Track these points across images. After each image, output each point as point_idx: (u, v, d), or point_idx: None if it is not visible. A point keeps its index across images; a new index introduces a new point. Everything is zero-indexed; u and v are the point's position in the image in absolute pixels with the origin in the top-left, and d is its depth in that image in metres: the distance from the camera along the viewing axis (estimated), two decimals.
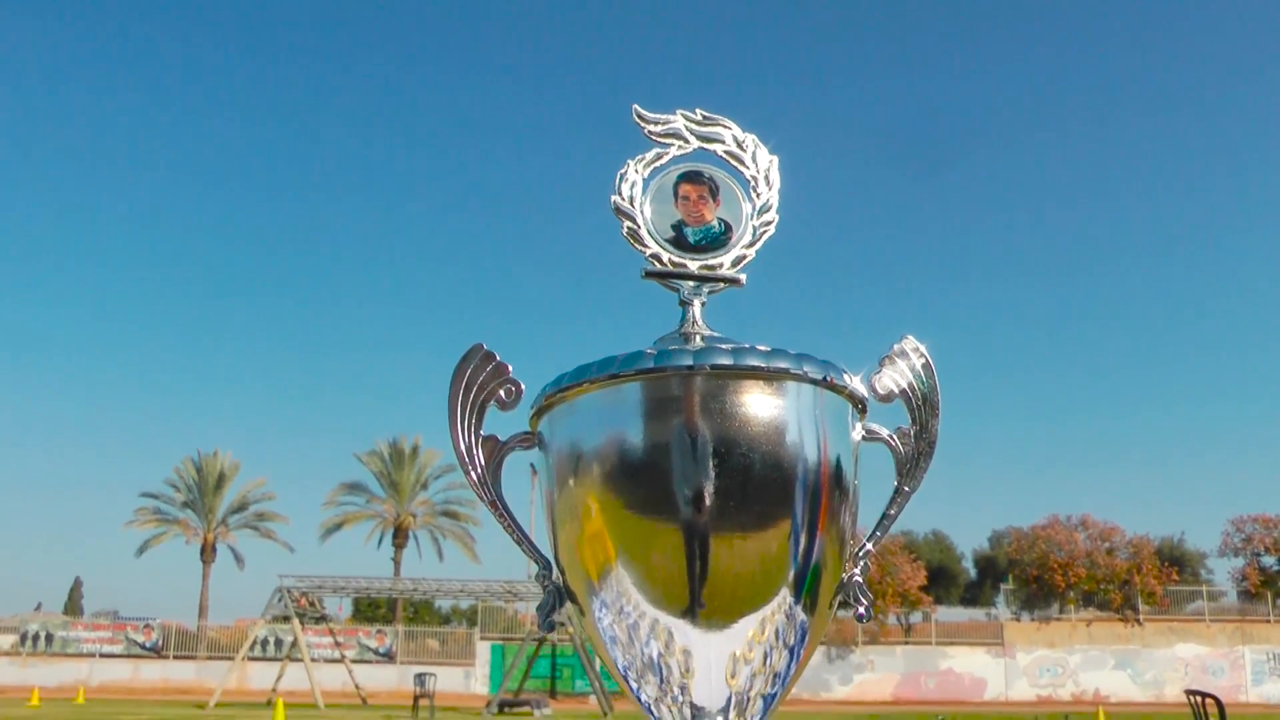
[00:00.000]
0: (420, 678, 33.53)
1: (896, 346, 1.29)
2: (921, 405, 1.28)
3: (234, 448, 70.76)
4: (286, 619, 40.03)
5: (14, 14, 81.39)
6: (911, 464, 1.29)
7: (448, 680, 45.90)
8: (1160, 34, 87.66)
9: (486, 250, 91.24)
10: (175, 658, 52.52)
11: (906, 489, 1.29)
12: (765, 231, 1.34)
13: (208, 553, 62.24)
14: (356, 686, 42.59)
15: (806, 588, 1.17)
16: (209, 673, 49.17)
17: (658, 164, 1.34)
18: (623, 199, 1.32)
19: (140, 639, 52.59)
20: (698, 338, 1.25)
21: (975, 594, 61.13)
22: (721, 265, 1.32)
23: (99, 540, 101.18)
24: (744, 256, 1.32)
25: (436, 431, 63.21)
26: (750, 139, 1.37)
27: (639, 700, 1.22)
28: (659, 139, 1.35)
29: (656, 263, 1.30)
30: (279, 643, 49.25)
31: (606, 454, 1.16)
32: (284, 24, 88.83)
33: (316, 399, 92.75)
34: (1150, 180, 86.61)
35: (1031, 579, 53.70)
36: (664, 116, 1.35)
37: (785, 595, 1.16)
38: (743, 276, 1.32)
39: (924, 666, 50.31)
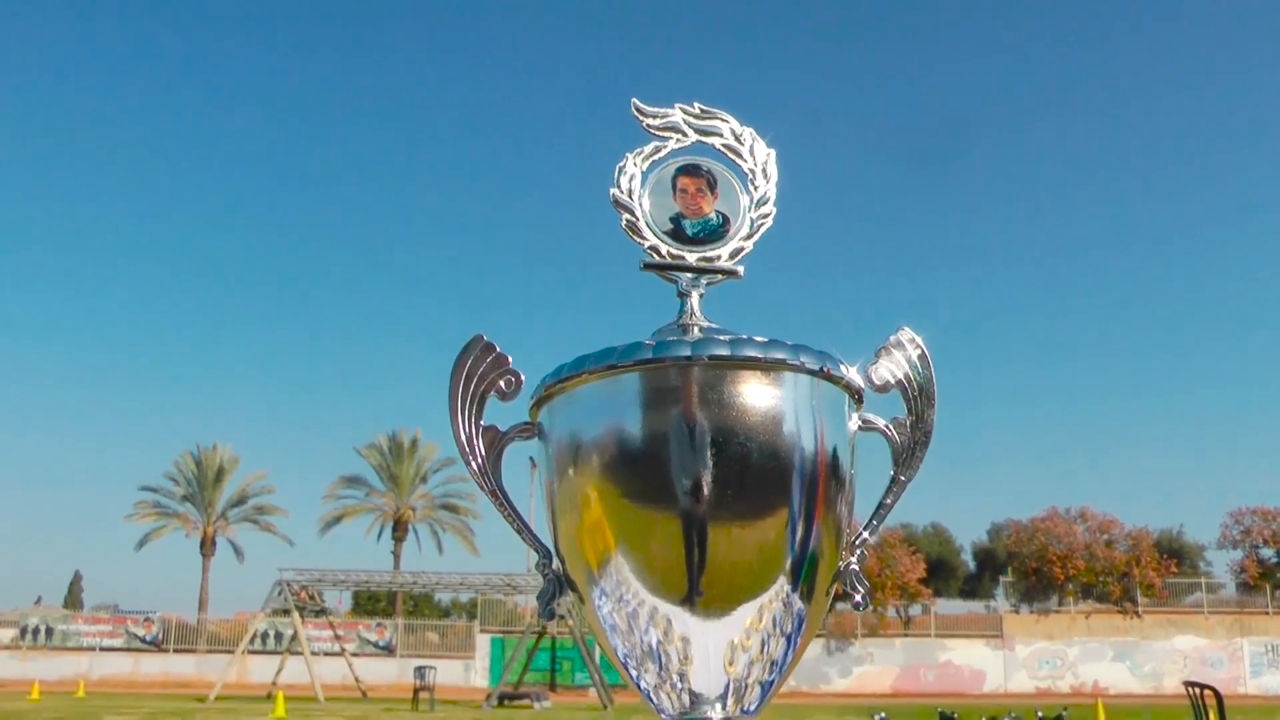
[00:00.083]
0: (420, 671, 33.57)
1: (893, 337, 1.29)
2: (918, 396, 1.29)
3: (233, 441, 70.89)
4: (286, 612, 40.05)
5: (15, 8, 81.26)
6: (908, 454, 1.30)
7: (447, 673, 45.92)
8: (1160, 27, 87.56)
9: (486, 243, 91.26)
10: (175, 651, 52.56)
11: (903, 478, 1.30)
12: (763, 224, 1.35)
13: (207, 546, 62.26)
14: (356, 680, 42.63)
15: (804, 576, 1.18)
16: (209, 666, 49.20)
17: (656, 157, 1.35)
18: (621, 192, 1.33)
19: (140, 632, 52.64)
20: (696, 329, 1.26)
21: (974, 586, 61.15)
22: (719, 257, 1.32)
23: (99, 534, 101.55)
24: (742, 249, 1.33)
25: (436, 425, 63.25)
26: (748, 132, 1.38)
27: (639, 687, 1.23)
28: (657, 132, 1.36)
29: (655, 255, 1.31)
30: (279, 636, 49.29)
31: (605, 444, 1.17)
32: (286, 17, 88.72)
33: (316, 392, 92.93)
34: (1149, 172, 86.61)
35: (1030, 571, 53.74)
36: (662, 110, 1.36)
37: (782, 583, 1.17)
38: (740, 268, 1.33)
39: (923, 659, 50.36)
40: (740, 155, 1.37)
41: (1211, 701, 11.65)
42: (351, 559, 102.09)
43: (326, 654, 46.58)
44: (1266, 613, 51.07)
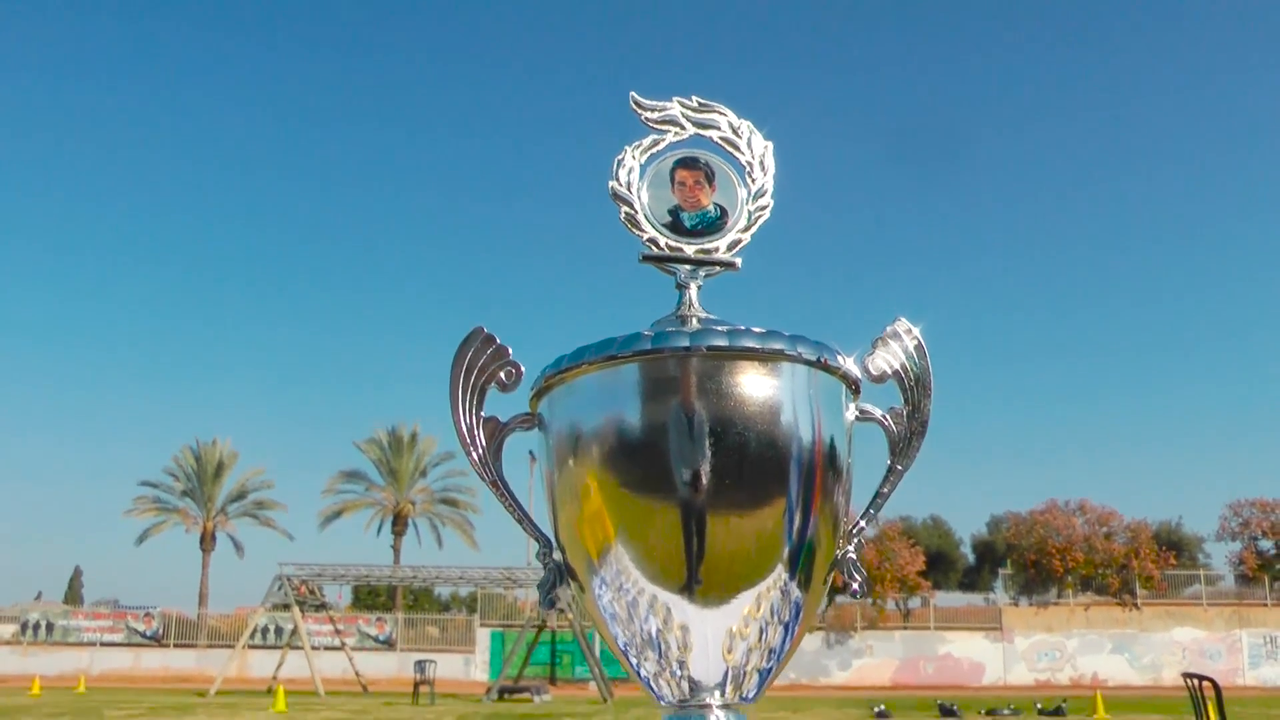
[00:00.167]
0: (420, 665, 33.59)
1: (889, 328, 1.30)
2: (914, 386, 1.30)
3: (233, 436, 70.60)
4: (286, 607, 40.10)
5: (14, 6, 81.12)
6: (904, 443, 1.31)
7: (448, 667, 45.99)
8: (1158, 25, 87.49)
9: (485, 237, 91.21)
10: (176, 646, 52.60)
11: (900, 468, 1.31)
12: (760, 216, 1.36)
13: (207, 541, 62.29)
14: (357, 674, 42.69)
15: (801, 565, 1.19)
16: (209, 661, 49.26)
17: (654, 150, 1.36)
18: (620, 184, 1.33)
19: (141, 628, 52.68)
20: (694, 320, 1.26)
21: (973, 579, 61.18)
22: (717, 249, 1.33)
23: (99, 529, 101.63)
24: (739, 240, 1.34)
25: (435, 419, 63.33)
26: (745, 125, 1.39)
27: (639, 675, 1.24)
28: (656, 125, 1.36)
29: (654, 247, 1.32)
30: (279, 631, 49.34)
31: (605, 434, 1.18)
32: (284, 13, 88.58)
33: (315, 387, 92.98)
34: (1148, 167, 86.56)
35: (1029, 564, 53.77)
36: (661, 104, 1.37)
37: (780, 572, 1.18)
38: (738, 260, 1.34)
39: (922, 651, 50.41)
40: (738, 148, 1.38)
41: (1210, 693, 11.67)
42: (351, 553, 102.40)
43: (327, 648, 46.64)
44: (1265, 604, 51.11)
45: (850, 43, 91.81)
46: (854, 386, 1.27)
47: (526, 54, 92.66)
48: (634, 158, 1.35)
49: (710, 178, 1.35)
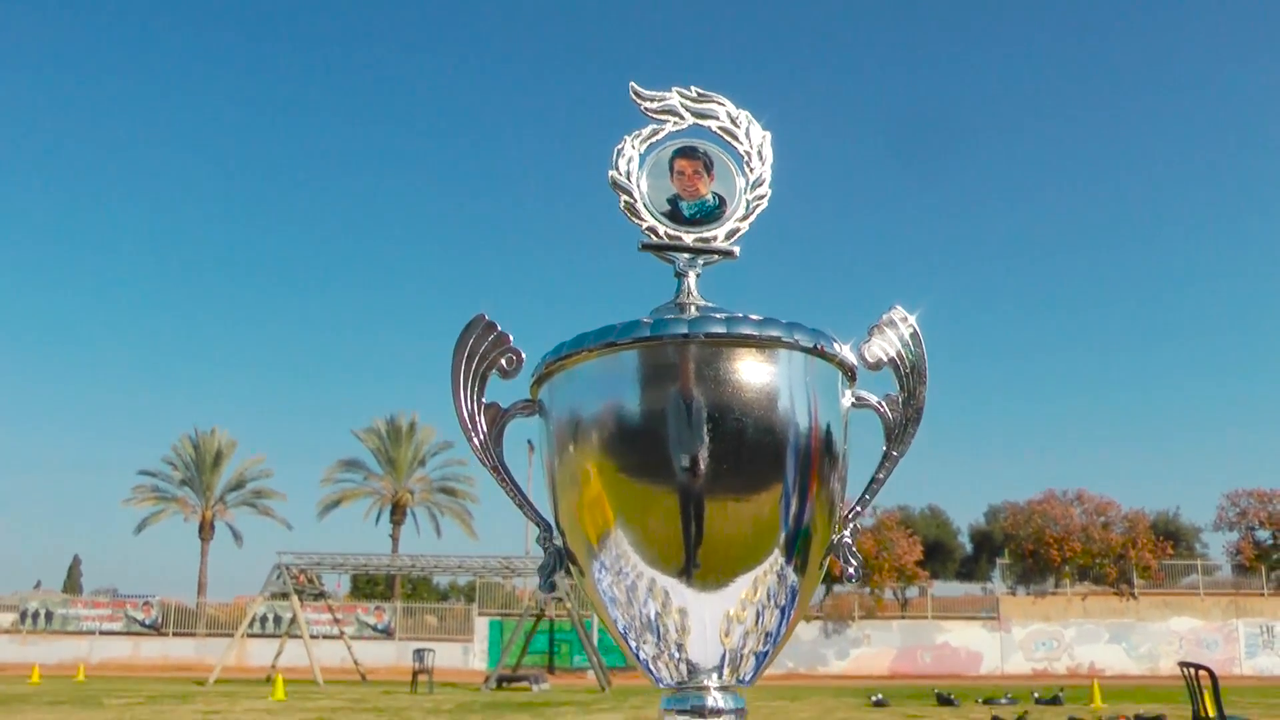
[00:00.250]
0: (419, 653, 33.63)
1: (885, 316, 1.31)
2: (910, 373, 1.31)
3: (231, 425, 70.86)
4: (285, 596, 40.10)
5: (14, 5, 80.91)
6: (900, 430, 1.32)
7: (446, 656, 46.01)
8: (1157, 22, 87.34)
9: (484, 226, 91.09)
10: (175, 635, 52.62)
11: (895, 454, 1.32)
12: (758, 205, 1.37)
13: (206, 530, 62.31)
14: (355, 662, 42.71)
15: (798, 549, 1.20)
16: (208, 650, 49.30)
17: (654, 140, 1.37)
18: (620, 174, 1.34)
19: (140, 616, 52.71)
20: (693, 307, 1.28)
21: (971, 569, 61.19)
22: (716, 238, 1.34)
23: (97, 518, 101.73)
24: (737, 229, 1.35)
25: (433, 408, 63.35)
26: (744, 115, 1.39)
27: (638, 658, 1.25)
28: (655, 115, 1.37)
29: (653, 235, 1.33)
30: (278, 619, 49.35)
31: (605, 420, 1.19)
32: (279, 6, 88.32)
33: (313, 376, 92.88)
34: (1145, 160, 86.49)
35: (1027, 553, 53.81)
36: (660, 94, 1.38)
37: (777, 556, 1.19)
38: (736, 249, 1.35)
39: (920, 641, 50.48)
40: (736, 138, 1.39)
41: (1206, 682, 11.70)
42: (350, 542, 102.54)
43: (325, 637, 46.65)
44: (1262, 594, 51.19)
45: (848, 33, 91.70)
46: (850, 373, 1.28)
47: (523, 43, 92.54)
48: (633, 147, 1.36)
49: (709, 167, 1.36)
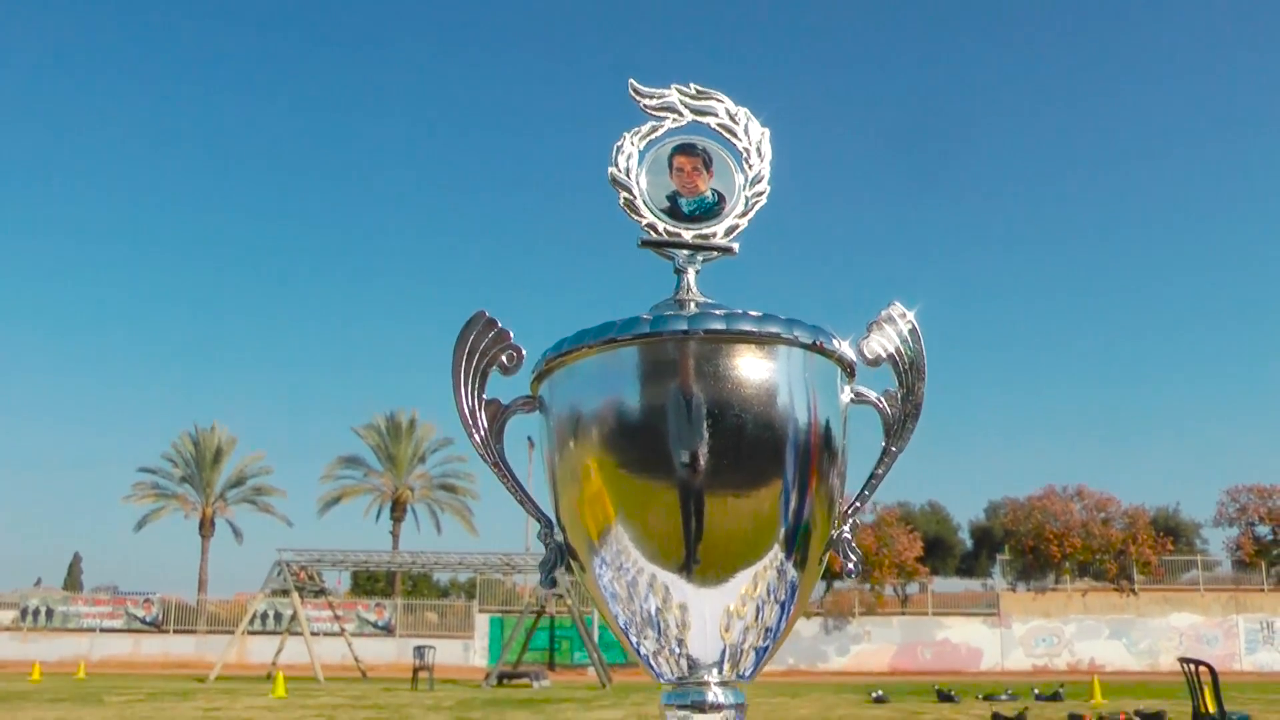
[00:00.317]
0: (419, 650, 33.67)
1: (884, 312, 1.32)
2: (908, 369, 1.32)
3: (231, 422, 70.75)
4: (286, 593, 40.13)
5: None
6: (899, 425, 1.32)
7: (447, 653, 46.06)
8: (1156, 19, 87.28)
9: (484, 222, 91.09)
10: (175, 632, 52.69)
11: (894, 449, 1.32)
12: (757, 202, 1.37)
13: (206, 527, 62.31)
14: (356, 659, 42.76)
15: (797, 545, 1.20)
16: (209, 647, 49.34)
17: (653, 137, 1.37)
18: (619, 170, 1.34)
19: (140, 613, 52.75)
20: (692, 304, 1.28)
21: (971, 565, 61.21)
22: (715, 234, 1.34)
23: (98, 515, 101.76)
24: (736, 226, 1.35)
25: (433, 405, 63.37)
26: (743, 112, 1.40)
27: (638, 654, 1.25)
28: (654, 112, 1.37)
29: (652, 232, 1.33)
30: (278, 616, 49.41)
31: (605, 416, 1.19)
32: (279, 3, 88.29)
33: (313, 373, 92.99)
34: (1144, 154, 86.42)
35: (1027, 549, 53.83)
36: (659, 91, 1.38)
37: (776, 552, 1.19)
38: (735, 245, 1.35)
39: (920, 637, 50.51)
40: (735, 135, 1.39)
41: (1206, 678, 11.71)
42: (350, 539, 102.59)
43: (326, 634, 46.68)
44: (1262, 590, 51.21)
45: (845, 29, 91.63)
46: (849, 369, 1.28)
47: (524, 39, 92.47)
48: (633, 144, 1.36)
49: (708, 164, 1.36)
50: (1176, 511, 57.78)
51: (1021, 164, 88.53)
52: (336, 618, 46.80)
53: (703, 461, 1.15)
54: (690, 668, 1.22)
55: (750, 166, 1.38)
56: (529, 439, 1.38)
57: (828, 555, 1.27)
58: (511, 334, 1.30)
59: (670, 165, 1.35)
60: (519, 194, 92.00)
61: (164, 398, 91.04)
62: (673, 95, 1.38)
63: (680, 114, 1.38)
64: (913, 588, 54.02)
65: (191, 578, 72.15)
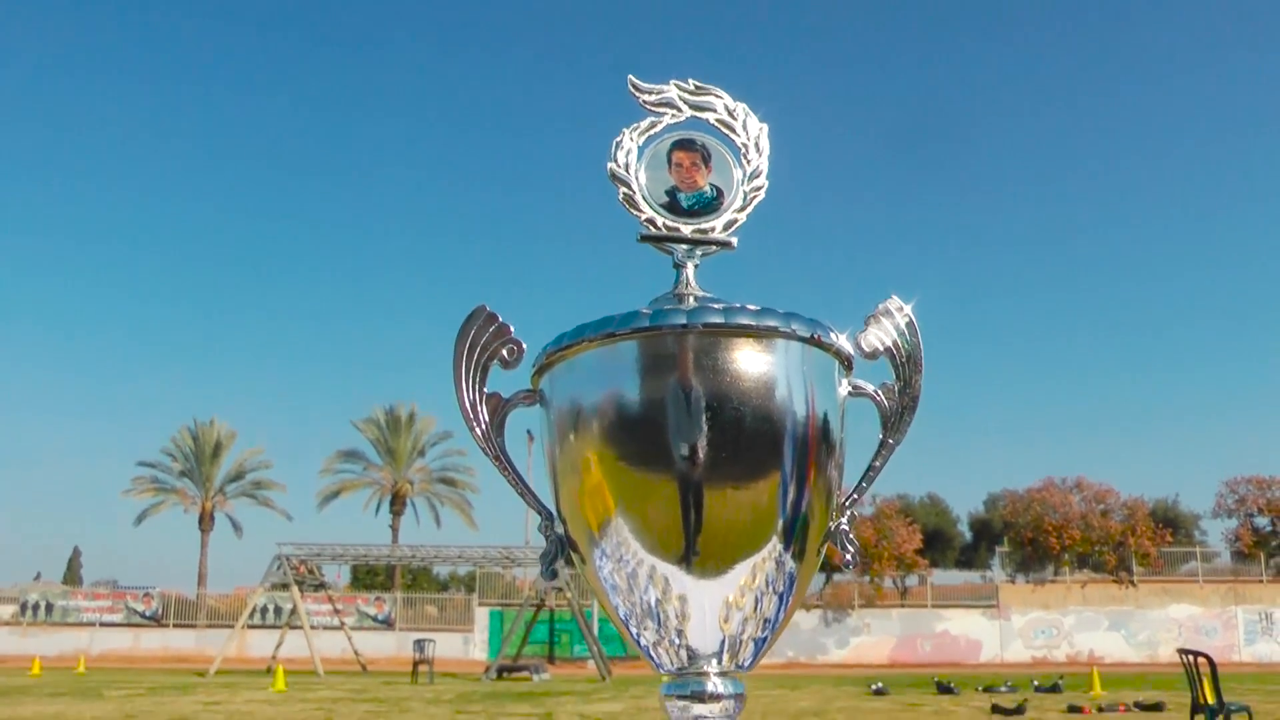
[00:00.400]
0: (419, 644, 33.71)
1: (881, 306, 1.32)
2: (905, 362, 1.32)
3: (230, 416, 70.79)
4: (285, 587, 40.19)
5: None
6: (896, 418, 1.32)
7: (446, 646, 46.08)
8: (1154, 16, 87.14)
9: (484, 218, 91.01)
10: (175, 626, 52.68)
11: (891, 442, 1.33)
12: (756, 196, 1.37)
13: (206, 521, 62.32)
14: (356, 653, 42.80)
15: (795, 536, 1.21)
16: (209, 641, 49.34)
17: (652, 132, 1.37)
18: (618, 166, 1.35)
19: (140, 608, 52.75)
20: (691, 298, 1.28)
21: (970, 557, 61.28)
22: (713, 229, 1.34)
23: (97, 509, 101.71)
24: (735, 220, 1.35)
25: (433, 398, 63.32)
26: (741, 108, 1.40)
27: (638, 645, 1.26)
28: (653, 108, 1.38)
29: (651, 227, 1.33)
30: (278, 610, 49.42)
31: (605, 410, 1.20)
32: (279, 4, 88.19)
33: (313, 367, 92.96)
34: (1143, 148, 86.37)
35: (1026, 541, 53.88)
36: (658, 86, 1.38)
37: (775, 544, 1.20)
38: (734, 240, 1.35)
39: (920, 629, 50.57)
40: (734, 130, 1.39)
41: (1205, 669, 11.74)
42: (350, 533, 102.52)
43: (326, 628, 46.72)
44: (1260, 581, 51.30)
45: (844, 25, 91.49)
46: (847, 363, 1.29)
47: (523, 36, 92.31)
48: (632, 140, 1.36)
49: (707, 159, 1.36)
50: (1175, 503, 57.91)
51: (1020, 156, 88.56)
52: (336, 611, 46.82)
53: (702, 454, 1.16)
54: (690, 658, 1.23)
55: (749, 161, 1.38)
56: (529, 432, 1.38)
57: (826, 547, 1.28)
58: (512, 328, 1.31)
59: (669, 160, 1.35)
60: (519, 189, 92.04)
61: (163, 392, 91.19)
62: (671, 91, 1.38)
63: (679, 109, 1.38)
64: (912, 580, 54.08)
65: (191, 572, 72.12)
